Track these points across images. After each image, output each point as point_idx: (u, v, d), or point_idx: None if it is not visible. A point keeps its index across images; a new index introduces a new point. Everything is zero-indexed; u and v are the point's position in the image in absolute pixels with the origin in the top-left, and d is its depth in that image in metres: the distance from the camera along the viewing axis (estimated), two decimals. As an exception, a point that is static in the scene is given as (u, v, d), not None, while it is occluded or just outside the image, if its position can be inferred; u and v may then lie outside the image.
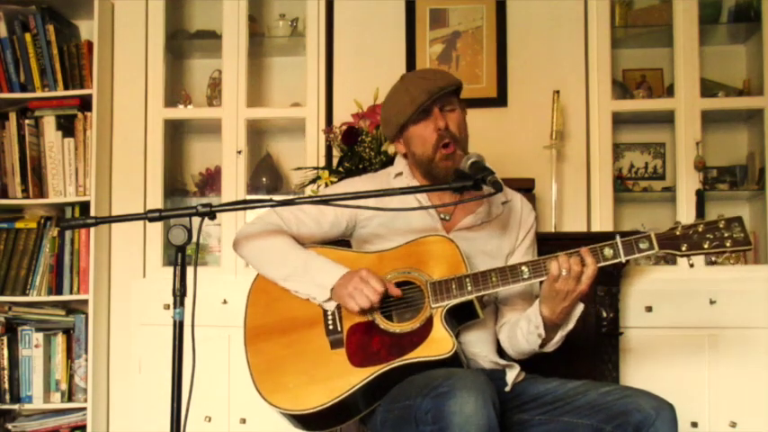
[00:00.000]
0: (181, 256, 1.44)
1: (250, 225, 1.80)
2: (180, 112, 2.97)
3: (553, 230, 2.69)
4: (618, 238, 1.55)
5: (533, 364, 1.75)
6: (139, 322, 2.77)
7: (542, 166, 2.75)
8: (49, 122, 2.90)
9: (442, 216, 1.79)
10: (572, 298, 1.54)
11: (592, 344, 2.40)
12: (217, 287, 2.70)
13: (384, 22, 2.94)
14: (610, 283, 2.44)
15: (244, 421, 2.68)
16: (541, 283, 1.59)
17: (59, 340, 2.85)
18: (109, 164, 2.97)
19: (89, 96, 2.86)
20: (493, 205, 1.81)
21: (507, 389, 1.66)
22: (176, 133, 3.10)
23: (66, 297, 2.85)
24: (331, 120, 2.87)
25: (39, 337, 2.84)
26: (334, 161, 2.67)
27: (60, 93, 2.89)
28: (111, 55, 2.98)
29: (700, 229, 1.52)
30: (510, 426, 1.60)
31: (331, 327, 1.65)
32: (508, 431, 1.59)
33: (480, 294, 1.60)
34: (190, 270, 1.45)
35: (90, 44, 2.90)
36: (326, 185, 2.45)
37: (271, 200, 1.57)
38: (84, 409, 2.79)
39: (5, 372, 2.82)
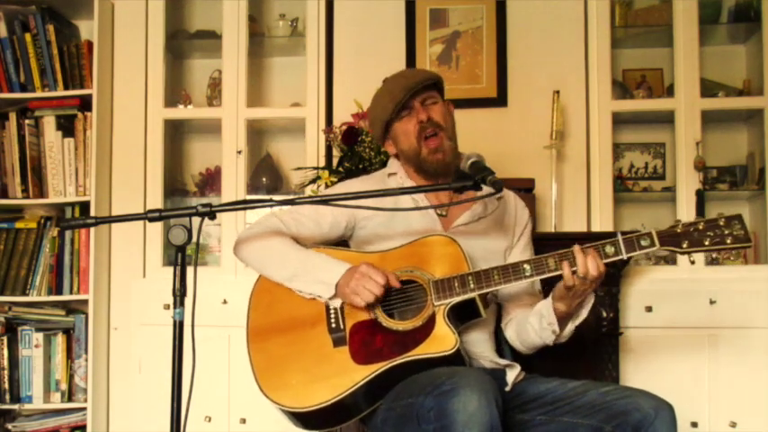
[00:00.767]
0: (181, 256, 1.44)
1: (249, 229, 1.80)
2: (180, 112, 2.97)
3: (553, 230, 2.69)
4: (619, 236, 1.56)
5: (533, 364, 1.75)
6: (139, 322, 2.77)
7: (542, 166, 2.75)
8: (48, 122, 2.90)
9: (438, 212, 1.80)
10: (585, 293, 1.60)
11: (592, 344, 2.40)
12: (217, 287, 2.70)
13: (384, 22, 2.94)
14: (610, 283, 2.44)
15: (244, 421, 2.68)
16: (542, 279, 1.60)
17: (59, 340, 2.85)
18: (109, 164, 2.97)
19: (89, 96, 2.86)
20: (488, 201, 1.83)
21: (507, 389, 1.67)
22: (176, 133, 3.10)
23: (66, 297, 2.85)
24: (331, 120, 2.87)
25: (39, 337, 2.83)
26: (335, 161, 2.67)
27: (60, 93, 2.89)
28: (111, 55, 2.98)
29: (700, 227, 1.53)
30: (510, 426, 1.60)
31: (333, 325, 1.66)
32: (509, 431, 1.58)
33: (483, 292, 1.61)
34: (190, 270, 1.45)
35: (90, 44, 2.90)
36: (326, 185, 2.45)
37: (271, 200, 1.56)
38: (84, 409, 2.79)
39: (5, 372, 2.82)
